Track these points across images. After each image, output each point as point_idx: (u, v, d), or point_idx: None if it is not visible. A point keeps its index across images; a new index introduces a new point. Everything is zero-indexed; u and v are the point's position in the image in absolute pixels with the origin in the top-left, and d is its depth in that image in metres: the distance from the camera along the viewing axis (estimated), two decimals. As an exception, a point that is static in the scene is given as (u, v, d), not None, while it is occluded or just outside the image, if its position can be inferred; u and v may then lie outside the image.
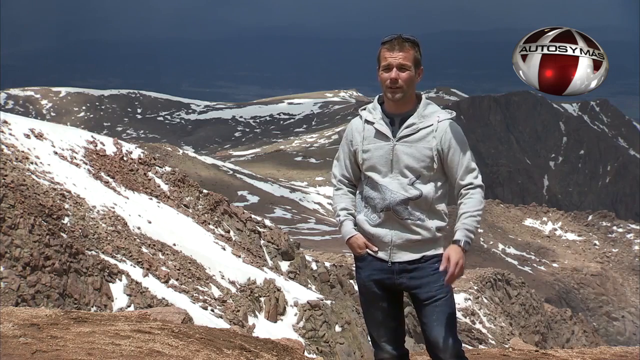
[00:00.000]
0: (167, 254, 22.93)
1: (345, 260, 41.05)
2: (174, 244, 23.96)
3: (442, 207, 4.51)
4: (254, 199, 68.22)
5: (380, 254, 4.53)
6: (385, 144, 4.47)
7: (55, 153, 25.46)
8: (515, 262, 73.26)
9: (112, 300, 18.70)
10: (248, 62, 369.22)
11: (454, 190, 4.53)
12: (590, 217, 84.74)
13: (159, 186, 28.66)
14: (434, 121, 4.46)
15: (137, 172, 28.41)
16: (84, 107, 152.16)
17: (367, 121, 4.56)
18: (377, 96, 4.61)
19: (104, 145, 28.63)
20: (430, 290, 4.50)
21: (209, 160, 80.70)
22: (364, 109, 4.62)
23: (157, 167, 29.80)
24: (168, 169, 30.48)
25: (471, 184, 4.46)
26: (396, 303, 4.65)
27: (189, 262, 23.28)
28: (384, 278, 4.55)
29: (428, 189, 4.45)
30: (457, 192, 4.49)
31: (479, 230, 76.34)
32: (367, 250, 4.56)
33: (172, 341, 6.41)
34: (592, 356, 8.34)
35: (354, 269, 28.26)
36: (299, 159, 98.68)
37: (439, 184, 4.49)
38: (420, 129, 4.45)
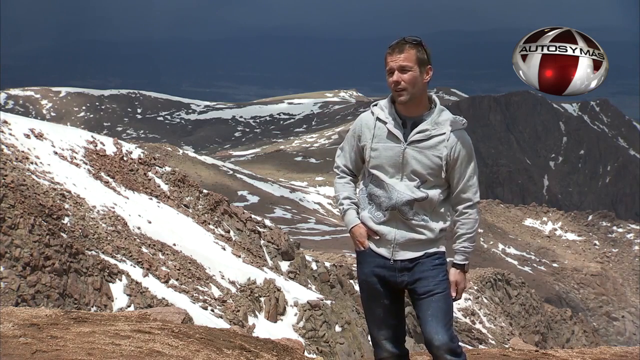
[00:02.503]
0: (167, 254, 22.94)
1: (345, 260, 41.05)
2: (174, 244, 23.97)
3: (445, 209, 4.55)
4: (254, 199, 68.22)
5: (383, 251, 4.54)
6: (395, 146, 4.46)
7: (55, 153, 25.46)
8: (515, 262, 73.26)
9: (112, 300, 18.70)
10: (248, 62, 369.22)
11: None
12: (590, 217, 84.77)
13: (159, 186, 28.66)
14: (446, 130, 4.45)
15: (137, 172, 28.41)
16: (84, 107, 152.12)
17: (379, 119, 4.54)
18: (390, 95, 4.59)
19: (104, 145, 28.63)
20: (427, 285, 4.51)
21: (209, 160, 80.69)
22: (376, 105, 4.60)
23: (157, 167, 29.80)
24: (168, 169, 30.48)
25: (470, 200, 4.53)
26: (397, 301, 4.65)
27: (189, 262, 23.29)
28: (386, 275, 4.55)
29: (433, 192, 4.47)
30: (455, 205, 4.56)
31: (479, 231, 76.35)
32: (370, 244, 4.56)
33: (172, 341, 6.41)
34: (592, 356, 8.34)
35: (354, 268, 28.19)
36: (299, 159, 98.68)
37: (444, 188, 4.52)
38: (433, 136, 4.44)
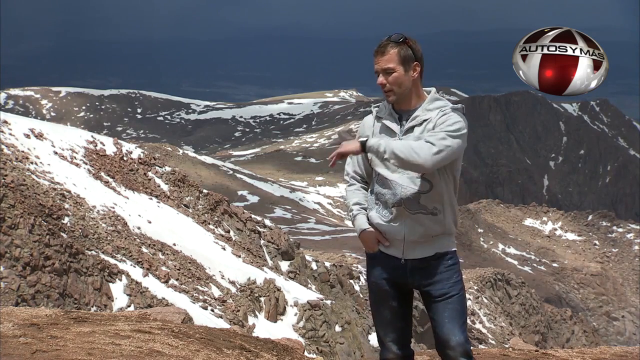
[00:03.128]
0: (167, 254, 22.94)
1: (345, 260, 41.05)
2: (174, 244, 23.97)
3: (452, 200, 4.52)
4: (254, 199, 68.20)
5: (393, 252, 4.53)
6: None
7: (55, 153, 25.47)
8: (515, 262, 73.24)
9: (112, 300, 18.70)
10: (248, 62, 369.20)
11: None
12: (590, 217, 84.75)
13: (159, 186, 28.66)
14: (437, 112, 4.47)
15: (137, 172, 28.41)
16: (84, 107, 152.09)
17: (377, 117, 4.59)
18: None
19: (104, 145, 28.63)
20: (442, 288, 4.50)
21: (209, 160, 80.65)
22: (377, 106, 4.65)
23: (157, 167, 29.81)
24: (168, 169, 30.48)
25: (429, 141, 4.32)
26: (405, 303, 4.65)
27: (189, 262, 23.29)
28: (396, 276, 4.54)
29: (437, 180, 4.44)
30: None
31: (479, 230, 76.33)
32: (380, 247, 4.56)
33: (172, 341, 6.41)
34: (592, 356, 8.33)
35: (354, 268, 28.15)
36: (299, 159, 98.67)
37: (449, 178, 4.49)
38: (424, 121, 4.46)
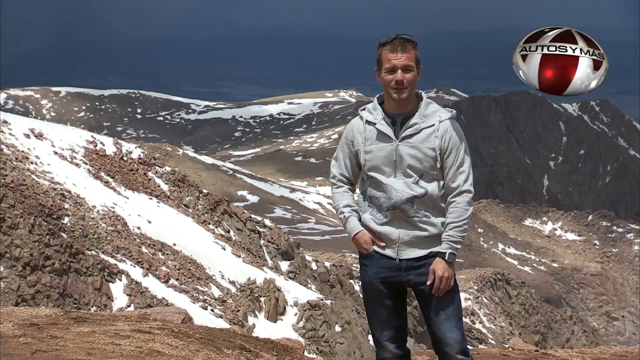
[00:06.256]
0: (167, 254, 22.94)
1: (345, 260, 41.05)
2: (174, 244, 23.96)
3: (443, 202, 4.53)
4: (254, 199, 68.19)
5: (388, 252, 4.54)
6: (387, 145, 4.47)
7: (55, 153, 25.46)
8: (515, 262, 73.24)
9: (112, 300, 18.70)
10: (248, 62, 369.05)
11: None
12: (590, 217, 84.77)
13: (159, 186, 28.66)
14: (435, 121, 4.48)
15: (137, 172, 28.41)
16: (84, 107, 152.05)
17: (368, 122, 4.56)
18: (377, 96, 4.62)
19: (103, 145, 28.63)
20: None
21: (209, 160, 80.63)
22: (364, 109, 4.63)
23: (157, 167, 29.80)
24: (168, 168, 30.48)
25: (458, 187, 4.47)
26: (400, 302, 4.66)
27: (189, 262, 23.29)
28: (391, 275, 4.55)
29: (432, 187, 4.47)
30: (447, 195, 4.51)
31: (479, 230, 76.31)
32: (374, 247, 4.56)
33: (172, 341, 6.41)
34: (592, 356, 8.33)
35: (354, 268, 28.17)
36: (299, 159, 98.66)
37: (443, 182, 4.51)
38: (423, 129, 4.47)
